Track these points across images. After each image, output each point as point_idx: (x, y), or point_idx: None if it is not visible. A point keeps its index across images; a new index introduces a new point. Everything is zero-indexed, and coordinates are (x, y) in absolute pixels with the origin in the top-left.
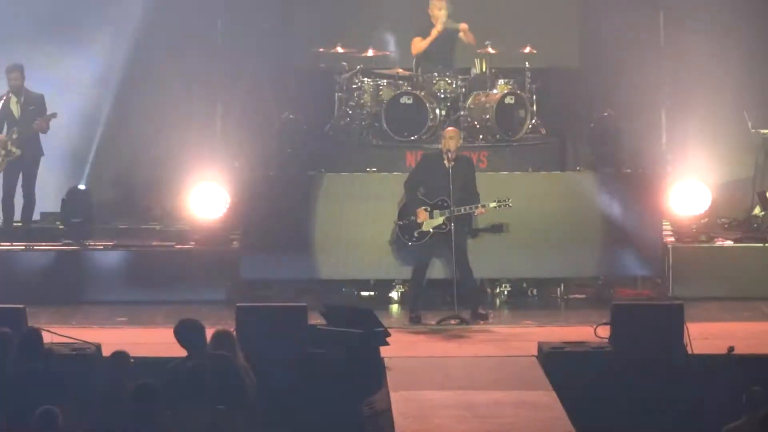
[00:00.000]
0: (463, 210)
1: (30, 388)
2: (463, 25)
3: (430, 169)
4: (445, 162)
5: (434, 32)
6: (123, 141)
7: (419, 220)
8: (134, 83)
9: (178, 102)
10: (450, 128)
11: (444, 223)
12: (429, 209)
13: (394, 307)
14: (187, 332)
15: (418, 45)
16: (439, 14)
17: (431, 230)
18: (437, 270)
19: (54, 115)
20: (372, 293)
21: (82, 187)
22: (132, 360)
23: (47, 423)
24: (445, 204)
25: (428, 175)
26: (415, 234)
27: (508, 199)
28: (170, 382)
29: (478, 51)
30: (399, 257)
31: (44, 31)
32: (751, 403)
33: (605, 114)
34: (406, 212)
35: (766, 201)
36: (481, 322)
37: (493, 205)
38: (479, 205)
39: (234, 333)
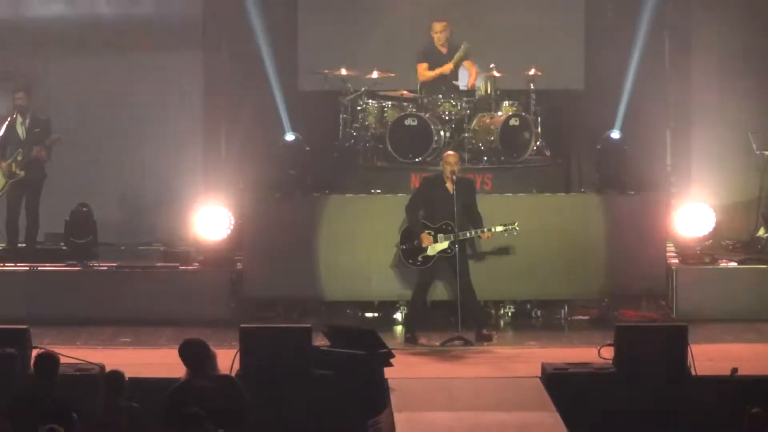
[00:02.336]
0: (468, 234)
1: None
2: (473, 72)
3: (431, 192)
4: (448, 185)
5: (446, 68)
6: (126, 162)
7: (424, 245)
8: (139, 104)
9: (182, 123)
10: (450, 153)
11: (449, 248)
12: (433, 233)
13: (398, 329)
14: (191, 352)
15: (425, 74)
16: (441, 36)
17: (436, 255)
18: (440, 292)
19: (58, 139)
20: (376, 314)
21: (83, 208)
22: (126, 380)
23: None
24: (450, 228)
25: (429, 198)
26: (419, 258)
27: (515, 224)
28: (173, 403)
29: (483, 73)
30: (403, 279)
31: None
32: (752, 425)
33: (611, 135)
34: (408, 236)
35: None
36: (485, 343)
37: (499, 229)
38: (485, 229)
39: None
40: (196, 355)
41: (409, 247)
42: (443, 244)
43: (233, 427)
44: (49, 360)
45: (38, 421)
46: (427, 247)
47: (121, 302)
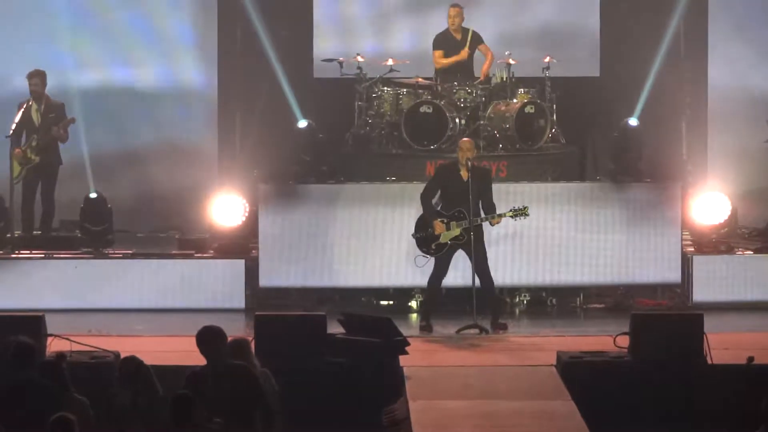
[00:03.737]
0: (479, 221)
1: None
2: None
3: (446, 180)
4: (462, 173)
5: (463, 55)
6: (141, 149)
7: (436, 233)
8: (154, 92)
9: (197, 110)
10: (466, 139)
11: (461, 234)
12: (446, 221)
13: (413, 316)
14: (209, 339)
15: (441, 61)
16: (455, 21)
17: (449, 242)
18: (456, 279)
19: (72, 120)
20: (391, 302)
21: (93, 195)
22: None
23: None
24: (462, 215)
25: (444, 186)
26: (433, 246)
27: (525, 208)
28: (189, 390)
29: (499, 61)
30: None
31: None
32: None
33: (629, 122)
34: (422, 225)
35: None
36: (501, 331)
37: (509, 214)
38: (495, 215)
39: (251, 341)
40: (212, 342)
41: (423, 236)
42: (455, 231)
43: (246, 416)
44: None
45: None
46: (440, 235)
47: (137, 290)
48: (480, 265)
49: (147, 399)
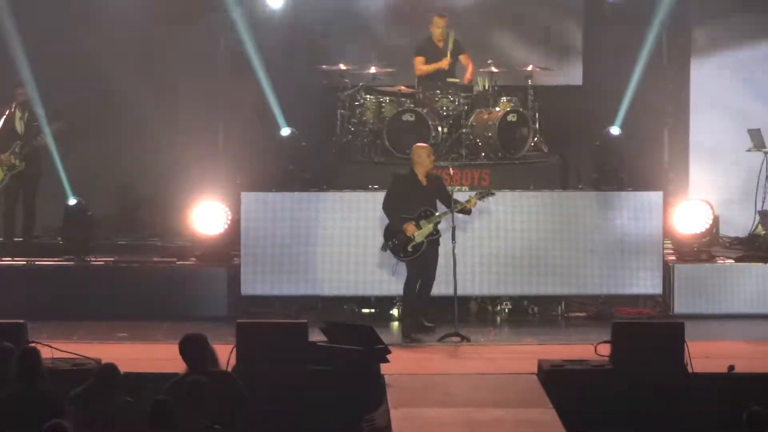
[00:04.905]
0: (455, 209)
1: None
2: (469, 68)
3: (405, 188)
4: (420, 177)
5: (444, 63)
6: (124, 156)
7: (408, 234)
8: (136, 99)
9: (179, 118)
10: (425, 145)
11: (434, 230)
12: (414, 222)
13: (395, 324)
14: (191, 347)
15: (422, 68)
16: (438, 32)
17: (424, 240)
18: (437, 287)
19: (66, 124)
20: (373, 310)
21: (72, 202)
22: (121, 374)
23: None
24: (429, 212)
25: (404, 193)
26: (409, 249)
27: (489, 188)
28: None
29: (481, 70)
30: (400, 274)
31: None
32: (751, 423)
33: (611, 131)
34: (390, 233)
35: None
36: (425, 334)
37: (476, 197)
38: (465, 201)
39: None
40: (196, 350)
41: (395, 243)
42: (428, 228)
43: (228, 423)
44: (30, 356)
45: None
46: (413, 236)
47: (118, 297)
48: (431, 269)
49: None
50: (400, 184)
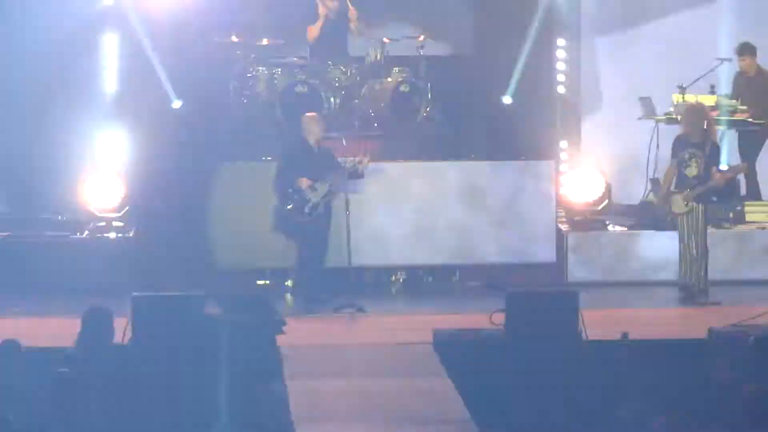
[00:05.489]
0: (341, 171)
1: None
2: (352, 13)
3: (298, 156)
4: (312, 144)
5: (322, 12)
6: (15, 130)
7: (304, 188)
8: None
9: (74, 88)
10: (314, 114)
11: (328, 192)
12: (310, 182)
13: (289, 296)
14: (94, 319)
15: (312, 32)
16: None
17: (320, 200)
18: (331, 258)
19: None
20: (267, 282)
21: None
22: (23, 349)
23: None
24: (324, 174)
25: (298, 162)
26: (306, 210)
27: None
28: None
29: (372, 39)
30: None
31: None
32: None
33: (503, 100)
34: (286, 195)
35: (659, 187)
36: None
37: (366, 160)
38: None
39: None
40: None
41: (293, 204)
42: (323, 189)
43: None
44: None
45: None
46: (310, 198)
47: (13, 271)
48: (324, 239)
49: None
50: (292, 152)
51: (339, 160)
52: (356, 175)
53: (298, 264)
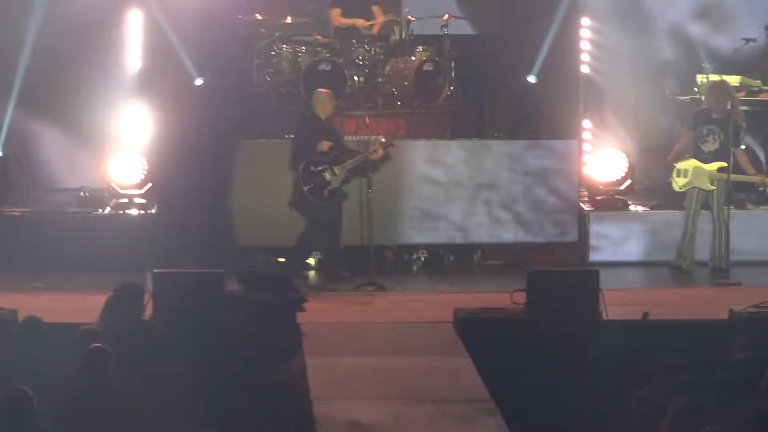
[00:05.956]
0: (362, 155)
1: None
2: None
3: (313, 132)
4: (324, 121)
5: (360, 23)
6: (39, 107)
7: (323, 149)
8: (51, 49)
9: (98, 65)
10: (326, 90)
11: (347, 176)
12: (328, 167)
13: (311, 273)
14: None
15: (339, 20)
16: None
17: (338, 185)
18: (352, 236)
19: None
20: (284, 259)
21: None
22: (45, 325)
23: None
24: (340, 158)
25: (312, 138)
26: (326, 192)
27: (391, 141)
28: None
29: (397, 18)
30: None
31: None
32: (660, 369)
33: (527, 80)
34: (308, 174)
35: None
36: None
37: (380, 148)
38: (370, 151)
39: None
40: (131, 299)
41: (313, 186)
42: (343, 173)
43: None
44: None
45: None
46: (330, 181)
47: (35, 248)
48: (340, 219)
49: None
50: (307, 128)
51: (361, 139)
52: (372, 162)
53: (309, 243)
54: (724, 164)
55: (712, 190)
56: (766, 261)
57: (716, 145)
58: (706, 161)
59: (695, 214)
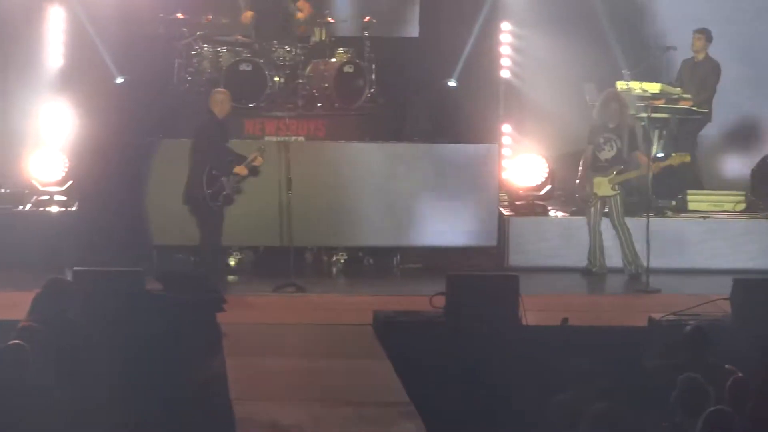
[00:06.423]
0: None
1: None
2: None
3: (215, 134)
4: (220, 121)
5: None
6: None
7: (242, 174)
8: None
9: (18, 62)
10: (224, 90)
11: (236, 183)
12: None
13: (231, 274)
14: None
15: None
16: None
17: (233, 190)
18: (272, 238)
19: None
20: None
21: None
22: None
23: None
24: (233, 163)
25: (215, 140)
26: (220, 198)
27: (262, 147)
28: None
29: (318, 20)
30: (235, 223)
31: None
32: (577, 375)
33: (447, 83)
34: (212, 179)
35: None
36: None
37: (259, 156)
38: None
39: None
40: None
41: (214, 191)
42: (244, 172)
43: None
44: None
45: None
46: (225, 186)
47: None
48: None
49: None
50: (206, 129)
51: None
52: (253, 171)
53: (211, 245)
54: (621, 167)
55: (611, 197)
56: (685, 269)
57: (613, 152)
58: (603, 169)
59: (596, 225)
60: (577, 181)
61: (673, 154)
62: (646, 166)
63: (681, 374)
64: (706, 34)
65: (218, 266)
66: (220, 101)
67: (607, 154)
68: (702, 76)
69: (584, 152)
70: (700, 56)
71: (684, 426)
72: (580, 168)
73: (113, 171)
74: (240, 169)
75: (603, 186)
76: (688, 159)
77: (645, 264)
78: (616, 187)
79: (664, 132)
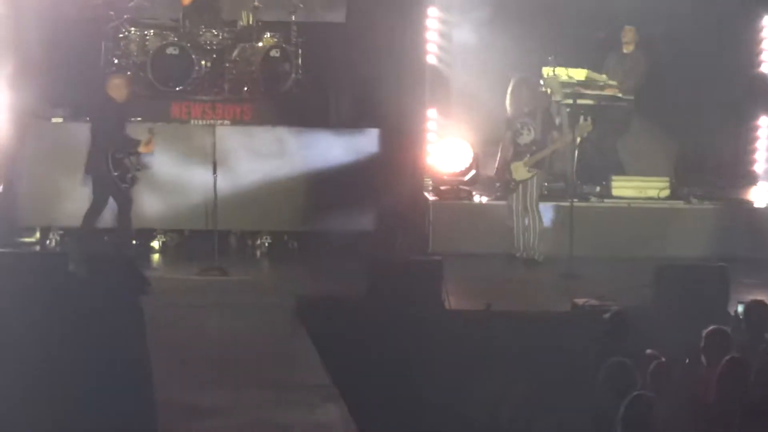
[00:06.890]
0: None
1: None
2: None
3: (115, 116)
4: (118, 101)
5: None
6: None
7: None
8: None
9: None
10: (122, 75)
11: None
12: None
13: (156, 257)
14: None
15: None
16: None
17: (137, 172)
18: (196, 221)
19: None
20: (134, 242)
21: None
22: None
23: None
24: (135, 141)
25: (115, 122)
26: (127, 180)
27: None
28: None
29: (245, 3)
30: (162, 206)
31: None
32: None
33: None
34: (118, 161)
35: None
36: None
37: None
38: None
39: None
40: None
41: (120, 173)
42: (137, 160)
43: None
44: None
45: None
46: (129, 168)
47: None
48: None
49: None
50: (103, 111)
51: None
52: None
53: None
54: (536, 153)
55: (528, 180)
56: (608, 255)
57: (531, 136)
58: (522, 154)
59: (519, 210)
60: (496, 166)
61: (581, 123)
62: (560, 141)
63: (603, 359)
64: (636, 28)
65: (130, 245)
66: (117, 86)
67: (526, 138)
68: (630, 65)
69: (502, 139)
70: (630, 48)
71: (607, 410)
72: (499, 155)
73: (40, 152)
74: (146, 148)
75: (520, 170)
76: (590, 128)
77: (542, 249)
78: (532, 169)
79: (588, 118)
